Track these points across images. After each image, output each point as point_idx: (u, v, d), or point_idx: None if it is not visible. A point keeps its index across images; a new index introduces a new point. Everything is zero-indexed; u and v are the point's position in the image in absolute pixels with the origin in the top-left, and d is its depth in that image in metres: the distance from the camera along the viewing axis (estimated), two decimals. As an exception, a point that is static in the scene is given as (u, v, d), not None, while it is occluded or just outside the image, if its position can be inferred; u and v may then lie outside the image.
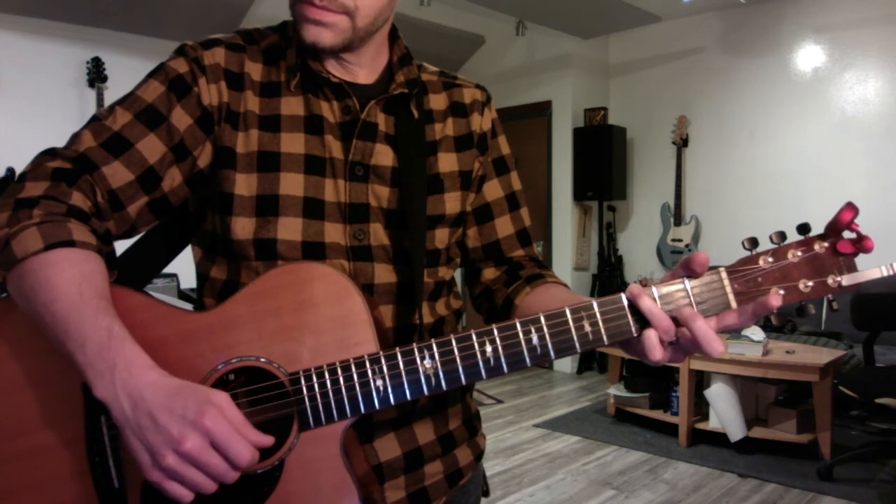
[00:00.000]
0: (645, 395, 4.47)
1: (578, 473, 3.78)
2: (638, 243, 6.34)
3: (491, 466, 3.83)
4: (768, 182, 5.54)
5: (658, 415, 4.39)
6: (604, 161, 5.98)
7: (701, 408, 4.20)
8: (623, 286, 6.21)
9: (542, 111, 6.36)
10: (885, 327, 3.65)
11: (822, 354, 3.88)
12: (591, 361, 6.24)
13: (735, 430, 3.92)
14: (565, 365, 6.29)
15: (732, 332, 4.35)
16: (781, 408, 4.00)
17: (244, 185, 0.90)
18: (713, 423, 4.08)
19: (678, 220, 5.92)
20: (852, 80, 5.16)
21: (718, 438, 4.05)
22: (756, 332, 3.98)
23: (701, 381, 4.17)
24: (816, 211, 4.56)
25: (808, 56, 5.36)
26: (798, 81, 5.40)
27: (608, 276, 6.23)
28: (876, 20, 5.02)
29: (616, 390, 4.59)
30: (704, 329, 0.76)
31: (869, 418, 4.34)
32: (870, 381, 3.58)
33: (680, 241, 5.87)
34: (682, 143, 5.92)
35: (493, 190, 1.07)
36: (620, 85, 6.46)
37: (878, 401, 3.43)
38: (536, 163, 6.33)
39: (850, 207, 0.77)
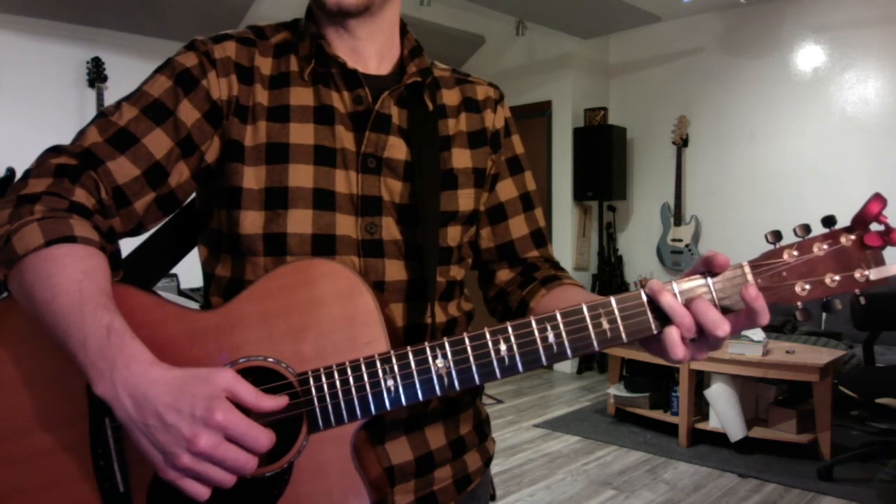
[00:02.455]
0: (645, 395, 4.47)
1: (578, 473, 3.78)
2: (638, 243, 6.34)
3: (491, 466, 3.82)
4: (768, 182, 5.54)
5: (658, 415, 4.38)
6: (604, 161, 5.97)
7: (701, 408, 4.20)
8: (623, 286, 6.21)
9: (542, 111, 6.35)
10: (885, 327, 3.65)
11: (822, 354, 3.88)
12: (591, 361, 6.24)
13: (735, 430, 3.92)
14: (565, 365, 6.28)
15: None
16: (781, 408, 4.00)
17: (252, 178, 0.88)
18: (713, 423, 4.08)
19: (678, 220, 5.91)
20: (852, 80, 5.16)
21: (718, 438, 4.05)
22: (756, 332, 3.98)
23: (701, 381, 4.16)
24: (816, 211, 4.52)
25: (808, 56, 5.36)
26: (798, 81, 5.40)
27: (608, 276, 6.22)
28: (876, 20, 5.02)
29: (616, 390, 4.59)
30: (706, 308, 0.74)
31: (869, 418, 4.34)
32: (870, 381, 3.58)
33: (680, 241, 5.87)
34: (682, 143, 5.91)
35: (506, 189, 1.05)
36: (620, 85, 6.46)
37: (878, 401, 3.43)
38: (536, 163, 6.32)
39: (878, 199, 0.74)
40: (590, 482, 3.65)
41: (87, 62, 4.60)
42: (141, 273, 1.00)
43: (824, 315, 5.04)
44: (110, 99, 4.44)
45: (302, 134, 0.90)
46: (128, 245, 0.99)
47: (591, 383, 5.84)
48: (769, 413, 4.05)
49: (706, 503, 3.36)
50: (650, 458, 3.97)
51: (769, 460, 3.84)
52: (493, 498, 1.10)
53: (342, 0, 0.88)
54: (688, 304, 0.76)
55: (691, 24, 5.93)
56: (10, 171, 3.94)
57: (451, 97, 1.02)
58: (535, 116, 6.37)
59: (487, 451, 1.06)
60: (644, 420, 4.47)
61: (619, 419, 4.63)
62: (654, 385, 4.47)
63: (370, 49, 0.96)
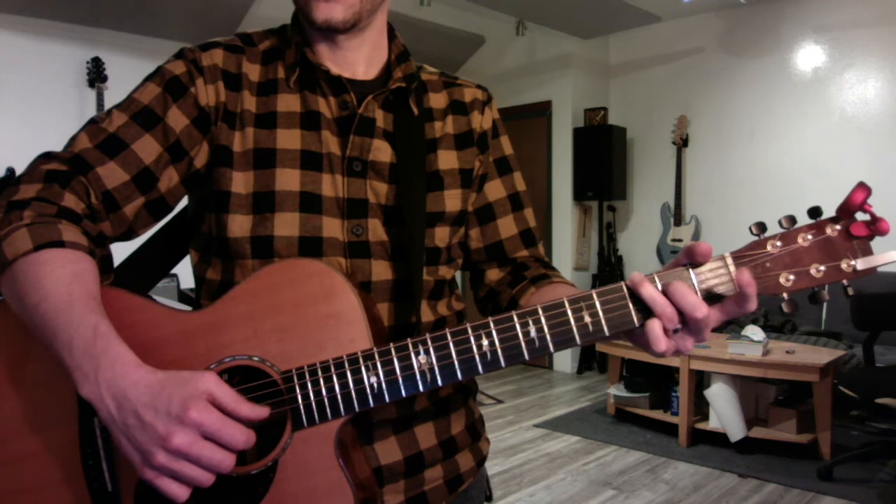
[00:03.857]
0: (645, 395, 4.47)
1: (578, 473, 3.78)
2: (638, 243, 6.34)
3: (491, 466, 3.83)
4: (768, 182, 5.53)
5: (658, 415, 4.38)
6: (604, 161, 5.97)
7: (701, 408, 4.19)
8: (623, 286, 6.20)
9: (542, 111, 6.35)
10: (885, 327, 3.64)
11: (822, 354, 3.88)
12: (591, 361, 6.24)
13: (735, 430, 3.91)
14: (565, 365, 6.28)
15: (734, 330, 4.34)
16: (781, 408, 4.00)
17: (241, 182, 0.90)
18: (713, 423, 4.08)
19: (678, 220, 5.91)
20: (852, 80, 5.15)
21: (718, 438, 4.05)
22: (756, 332, 3.98)
23: (701, 381, 4.16)
24: (816, 211, 4.54)
25: (808, 56, 5.35)
26: (798, 81, 5.40)
27: (608, 276, 6.22)
28: (876, 20, 5.02)
29: (616, 390, 4.59)
30: (686, 293, 0.74)
31: (869, 418, 4.34)
32: (870, 381, 3.58)
33: (680, 241, 5.87)
34: (682, 143, 5.91)
35: (495, 190, 1.06)
36: (620, 85, 6.46)
37: (878, 401, 3.43)
38: (536, 163, 6.32)
39: (863, 187, 0.73)
40: (590, 482, 3.65)
41: (87, 62, 4.61)
42: (136, 278, 1.01)
43: (824, 315, 5.03)
44: (110, 99, 4.45)
45: (289, 139, 0.91)
46: (123, 250, 0.99)
47: (591, 383, 5.84)
48: (769, 413, 4.05)
49: (706, 503, 3.35)
50: (650, 458, 3.97)
51: (769, 460, 3.84)
52: (488, 498, 1.10)
53: (330, 17, 0.89)
54: (667, 292, 0.75)
55: (691, 24, 5.92)
56: (10, 171, 3.95)
57: (438, 100, 1.03)
58: (535, 116, 6.37)
59: (481, 452, 1.06)
60: (644, 420, 4.47)
61: (619, 419, 4.63)
62: (654, 385, 4.47)
63: (357, 57, 0.97)
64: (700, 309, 0.73)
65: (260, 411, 0.74)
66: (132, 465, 0.71)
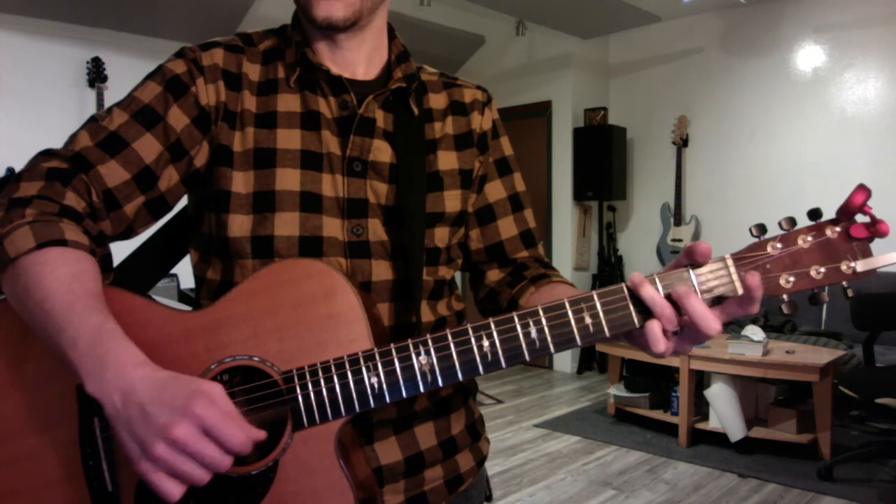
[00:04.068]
0: (645, 395, 4.47)
1: (578, 473, 3.78)
2: (638, 243, 6.34)
3: (491, 466, 3.83)
4: (768, 182, 5.53)
5: (658, 415, 4.38)
6: (604, 161, 5.98)
7: (701, 408, 4.19)
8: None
9: (542, 111, 6.35)
10: (885, 327, 3.65)
11: (822, 354, 3.88)
12: (591, 361, 6.24)
13: (735, 430, 3.91)
14: (565, 365, 6.28)
15: (734, 330, 4.34)
16: (781, 408, 4.00)
17: (241, 182, 0.90)
18: (713, 423, 4.08)
19: (678, 220, 5.91)
20: (852, 80, 5.15)
21: (718, 438, 4.05)
22: (756, 332, 3.98)
23: (701, 381, 4.16)
24: (816, 211, 4.54)
25: (808, 56, 5.35)
26: (798, 81, 5.40)
27: (608, 276, 6.23)
28: (876, 20, 5.02)
29: (616, 390, 4.59)
30: (699, 307, 0.74)
31: (869, 418, 4.34)
32: (870, 381, 3.58)
33: (680, 241, 5.87)
34: (682, 143, 5.91)
35: (495, 191, 1.06)
36: (620, 85, 6.46)
37: (878, 401, 3.43)
38: (536, 163, 6.32)
39: (862, 189, 0.74)
40: (590, 482, 3.65)
41: (87, 62, 4.61)
42: (136, 278, 1.01)
43: (824, 315, 5.03)
44: (110, 99, 4.45)
45: (289, 139, 0.92)
46: (123, 250, 0.99)
47: (591, 383, 5.84)
48: (769, 413, 4.05)
49: (706, 503, 3.35)
50: (650, 458, 3.97)
51: (769, 460, 3.84)
52: (488, 498, 1.10)
53: (331, 15, 0.89)
54: (675, 297, 0.76)
55: (691, 24, 5.92)
56: (10, 171, 3.96)
57: (438, 101, 1.03)
58: (535, 116, 6.37)
59: (481, 452, 1.06)
60: (644, 420, 4.47)
61: (619, 419, 4.63)
62: (654, 385, 4.47)
63: (357, 57, 0.97)
64: (714, 326, 0.74)
65: (257, 433, 0.71)
66: (130, 459, 0.70)
